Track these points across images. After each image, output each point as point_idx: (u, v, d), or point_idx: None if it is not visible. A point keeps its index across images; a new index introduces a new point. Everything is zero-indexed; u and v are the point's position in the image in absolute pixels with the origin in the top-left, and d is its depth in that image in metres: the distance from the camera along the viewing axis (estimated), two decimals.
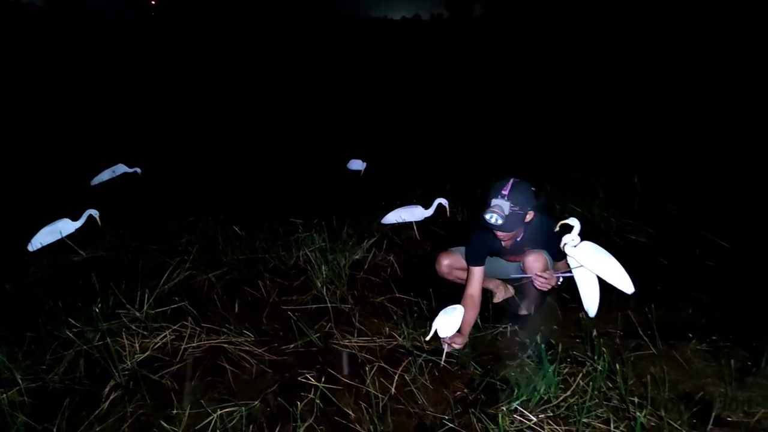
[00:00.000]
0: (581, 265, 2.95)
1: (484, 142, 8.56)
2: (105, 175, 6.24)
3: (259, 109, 11.40)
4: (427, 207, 4.72)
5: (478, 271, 3.29)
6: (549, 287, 3.09)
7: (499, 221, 2.86)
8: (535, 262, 3.16)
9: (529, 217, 3.01)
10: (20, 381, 2.89)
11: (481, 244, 3.28)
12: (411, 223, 4.81)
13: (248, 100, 12.33)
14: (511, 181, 2.94)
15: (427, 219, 4.76)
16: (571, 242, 2.94)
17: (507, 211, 2.86)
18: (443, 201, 4.69)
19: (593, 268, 2.93)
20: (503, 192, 2.90)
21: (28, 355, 3.16)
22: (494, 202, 2.90)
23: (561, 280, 3.12)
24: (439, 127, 9.58)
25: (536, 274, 3.05)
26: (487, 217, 2.87)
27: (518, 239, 3.22)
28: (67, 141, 8.90)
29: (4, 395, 2.78)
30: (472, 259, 3.30)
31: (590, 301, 3.04)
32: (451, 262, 3.69)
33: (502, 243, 3.19)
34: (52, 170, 7.25)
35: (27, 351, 3.18)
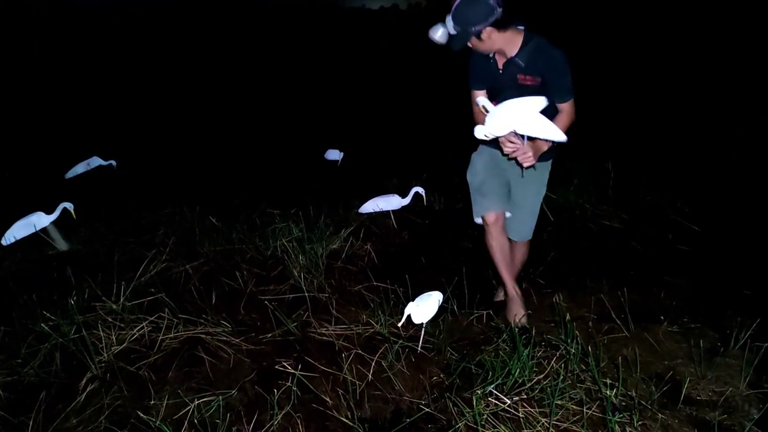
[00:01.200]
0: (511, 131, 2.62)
1: (462, 131, 8.57)
2: (80, 168, 6.13)
3: (236, 102, 11.30)
4: (404, 196, 4.74)
5: (480, 94, 3.04)
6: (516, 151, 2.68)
7: (442, 38, 2.77)
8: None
9: (486, 35, 2.72)
10: None
11: (477, 64, 3.04)
12: (388, 212, 4.83)
13: (229, 93, 12.22)
14: None
15: (404, 208, 4.78)
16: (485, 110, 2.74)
17: (451, 29, 2.72)
18: (420, 189, 4.71)
19: (520, 128, 2.60)
20: (453, 7, 2.70)
21: (2, 349, 3.14)
22: (447, 18, 2.72)
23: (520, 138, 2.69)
24: (416, 117, 9.58)
25: (504, 138, 2.68)
26: (431, 32, 2.76)
27: (511, 57, 2.86)
28: (45, 135, 8.75)
29: None
30: (473, 82, 3.11)
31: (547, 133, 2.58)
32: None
33: (496, 62, 2.95)
34: (27, 164, 7.13)
35: (1, 345, 3.16)
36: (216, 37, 21.50)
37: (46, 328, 3.15)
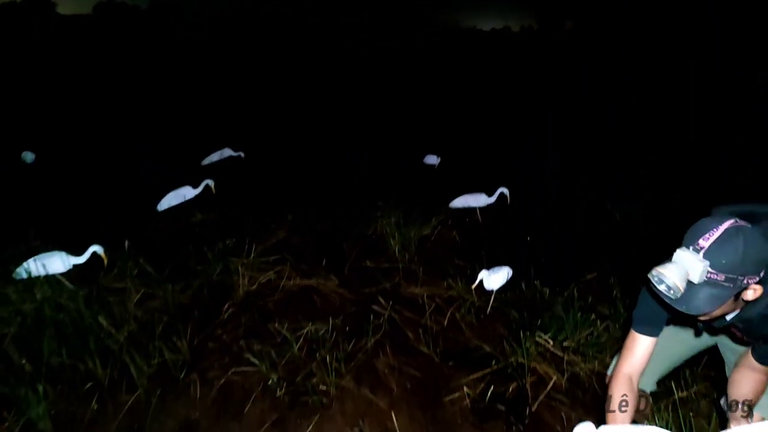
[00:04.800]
0: None
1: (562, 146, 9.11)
2: (214, 157, 7.29)
3: (356, 111, 12.43)
4: (490, 195, 5.40)
5: (644, 342, 2.04)
6: None
7: (671, 293, 1.62)
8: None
9: (751, 293, 1.65)
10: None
11: (656, 306, 1.95)
12: (475, 208, 5.50)
13: (352, 105, 13.42)
14: (728, 223, 1.61)
15: (489, 205, 5.44)
16: None
17: (698, 277, 1.59)
18: (504, 190, 5.36)
19: None
20: (700, 242, 1.61)
21: (160, 282, 4.08)
22: (677, 255, 1.64)
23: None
24: (510, 130, 10.19)
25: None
26: (654, 280, 1.64)
27: (728, 318, 1.87)
28: (188, 129, 10.15)
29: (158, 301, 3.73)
30: (639, 322, 2.06)
31: None
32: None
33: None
34: (172, 151, 8.42)
35: (160, 279, 4.11)
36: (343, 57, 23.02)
37: (198, 268, 4.11)
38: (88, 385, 2.97)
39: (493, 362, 3.19)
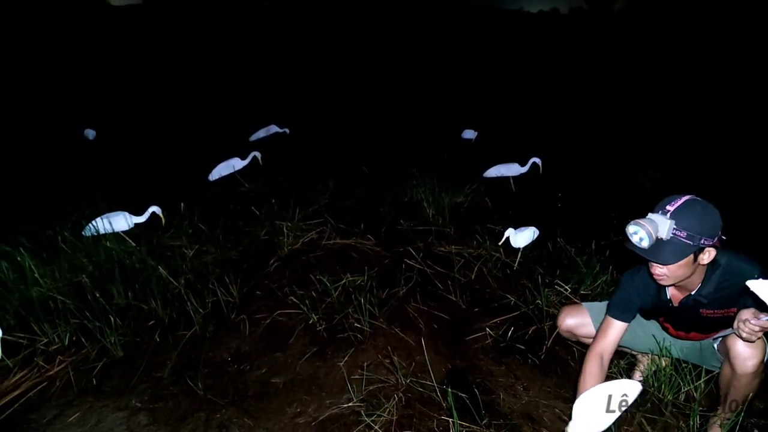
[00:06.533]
0: None
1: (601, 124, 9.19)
2: (261, 133, 7.70)
3: (394, 88, 12.75)
4: (523, 164, 5.61)
5: (617, 326, 2.36)
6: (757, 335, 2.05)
7: (644, 241, 1.98)
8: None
9: (707, 256, 2.04)
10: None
11: (635, 293, 2.35)
12: (509, 177, 5.71)
13: (385, 82, 13.75)
14: (687, 196, 2.01)
15: (522, 175, 5.65)
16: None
17: (665, 233, 1.96)
18: (537, 160, 5.56)
19: None
20: (668, 207, 1.99)
21: (215, 240, 4.47)
22: (650, 216, 2.03)
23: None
24: (548, 108, 10.31)
25: (743, 321, 2.01)
26: (630, 230, 2.00)
27: (693, 293, 2.22)
28: (238, 107, 10.67)
29: (210, 256, 4.11)
30: (616, 308, 2.37)
31: None
32: (575, 325, 2.75)
33: (667, 294, 2.32)
34: (223, 126, 8.91)
35: (215, 238, 4.49)
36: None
37: (246, 228, 4.49)
38: (151, 322, 3.37)
39: (515, 310, 3.45)
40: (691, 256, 2.01)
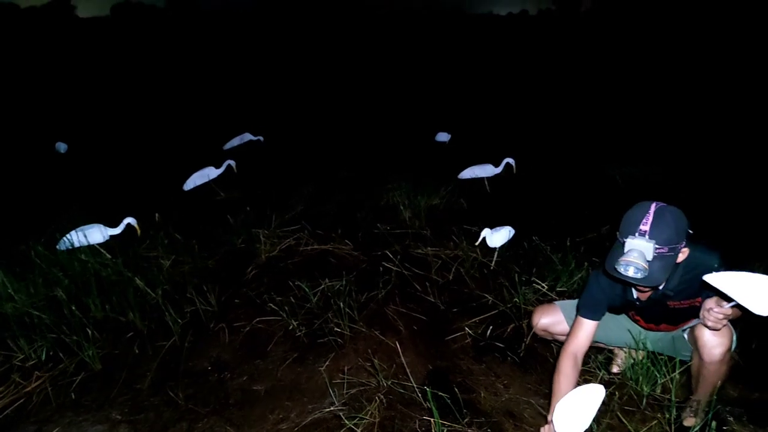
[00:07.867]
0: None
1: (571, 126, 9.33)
2: (235, 141, 7.66)
3: (369, 94, 12.79)
4: (497, 165, 5.67)
5: (588, 325, 2.40)
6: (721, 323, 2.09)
7: (639, 274, 1.93)
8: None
9: (683, 255, 2.08)
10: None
11: (601, 292, 2.38)
12: (483, 179, 5.77)
13: (364, 88, 13.80)
14: (653, 207, 2.00)
15: (496, 176, 5.71)
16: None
17: (650, 255, 1.96)
18: (510, 160, 5.63)
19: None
20: (642, 227, 1.97)
21: (191, 249, 4.44)
22: (629, 244, 1.98)
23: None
24: (520, 110, 10.46)
25: (708, 310, 2.06)
26: (621, 269, 1.96)
27: (660, 289, 2.24)
28: (207, 117, 10.60)
29: (187, 266, 4.09)
30: (585, 308, 2.41)
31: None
32: (549, 323, 2.82)
33: (633, 294, 2.35)
34: (194, 138, 8.84)
35: (192, 249, 4.47)
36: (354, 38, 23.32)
37: (224, 237, 4.48)
38: (130, 334, 3.34)
39: (493, 308, 3.49)
40: (674, 264, 2.05)
